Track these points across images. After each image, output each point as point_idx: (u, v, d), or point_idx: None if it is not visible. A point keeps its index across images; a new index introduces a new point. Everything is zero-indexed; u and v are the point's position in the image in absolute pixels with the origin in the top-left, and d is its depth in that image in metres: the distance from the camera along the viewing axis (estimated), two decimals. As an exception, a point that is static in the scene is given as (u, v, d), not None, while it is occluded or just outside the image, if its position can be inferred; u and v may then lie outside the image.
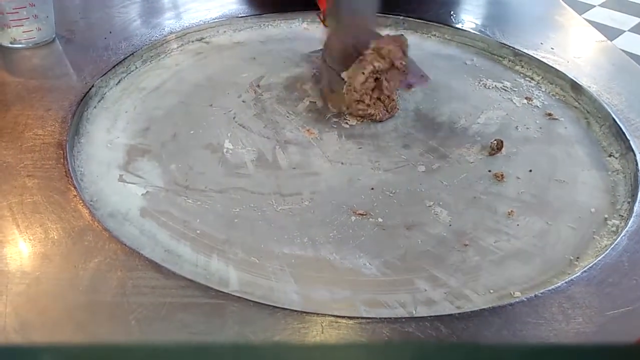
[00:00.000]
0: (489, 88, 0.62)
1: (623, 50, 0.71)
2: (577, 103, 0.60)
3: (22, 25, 0.60)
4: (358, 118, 0.55)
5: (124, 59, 0.60)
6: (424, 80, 0.59)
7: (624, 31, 2.15)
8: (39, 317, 0.35)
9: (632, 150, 0.51)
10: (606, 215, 0.46)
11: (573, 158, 0.53)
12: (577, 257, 0.42)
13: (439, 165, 0.50)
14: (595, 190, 0.49)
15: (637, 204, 0.46)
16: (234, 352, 0.16)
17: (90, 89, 0.55)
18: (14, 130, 0.49)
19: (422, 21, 0.72)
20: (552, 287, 0.38)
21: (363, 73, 0.53)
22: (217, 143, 0.51)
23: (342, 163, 0.50)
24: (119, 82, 0.59)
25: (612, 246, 0.42)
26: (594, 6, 2.36)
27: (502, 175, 0.49)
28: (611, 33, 2.10)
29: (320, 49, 0.60)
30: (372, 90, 0.54)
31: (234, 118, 0.55)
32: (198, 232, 0.43)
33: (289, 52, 0.66)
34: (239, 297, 0.36)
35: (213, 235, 0.42)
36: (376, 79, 0.54)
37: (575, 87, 0.61)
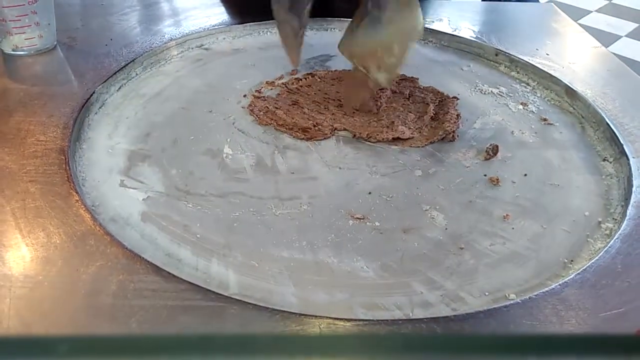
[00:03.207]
0: (485, 94, 0.63)
1: (620, 56, 0.72)
2: (572, 108, 0.61)
3: (24, 33, 0.61)
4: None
5: (124, 66, 0.61)
6: None
7: (621, 36, 2.17)
8: (41, 320, 0.35)
9: (626, 155, 0.52)
10: (600, 219, 0.47)
11: (568, 162, 0.53)
12: (571, 260, 0.43)
13: (435, 169, 0.51)
14: (590, 194, 0.50)
15: (630, 207, 0.46)
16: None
17: (91, 95, 0.56)
18: (16, 137, 0.49)
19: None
20: (546, 289, 0.39)
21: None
22: (216, 148, 0.52)
23: (339, 168, 0.51)
24: (119, 88, 0.60)
25: (605, 249, 0.42)
26: (591, 12, 2.37)
27: (497, 179, 0.50)
28: (608, 38, 2.12)
29: None
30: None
31: (233, 124, 0.56)
32: (198, 236, 0.43)
33: (287, 58, 0.67)
34: (238, 299, 0.37)
35: (213, 239, 0.43)
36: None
37: (570, 92, 0.62)
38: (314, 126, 0.55)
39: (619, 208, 0.48)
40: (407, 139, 0.54)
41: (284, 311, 0.36)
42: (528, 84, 0.65)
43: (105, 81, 0.58)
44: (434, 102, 0.59)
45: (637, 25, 2.27)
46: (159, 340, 0.15)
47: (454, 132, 0.55)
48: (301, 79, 0.63)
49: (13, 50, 0.62)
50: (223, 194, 0.47)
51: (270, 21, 0.72)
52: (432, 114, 0.57)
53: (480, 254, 0.43)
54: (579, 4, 2.43)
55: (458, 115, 0.57)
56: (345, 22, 0.74)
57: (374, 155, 0.52)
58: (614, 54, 0.73)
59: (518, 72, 0.67)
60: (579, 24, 0.79)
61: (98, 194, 0.46)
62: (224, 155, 0.51)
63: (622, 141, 0.53)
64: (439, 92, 0.61)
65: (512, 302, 0.38)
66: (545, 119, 0.59)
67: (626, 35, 2.18)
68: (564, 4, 2.40)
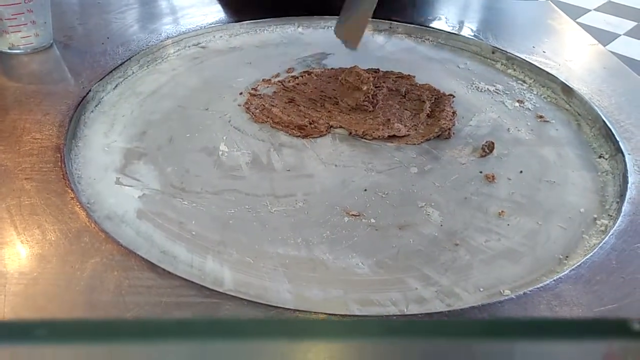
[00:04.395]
0: (481, 91, 0.63)
1: (618, 54, 0.72)
2: (568, 105, 0.61)
3: (20, 31, 0.61)
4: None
5: (121, 64, 0.61)
6: None
7: (619, 35, 2.17)
8: (36, 316, 0.35)
9: (621, 152, 0.52)
10: (595, 215, 0.47)
11: (563, 159, 0.53)
12: (567, 256, 0.43)
13: (431, 166, 0.51)
14: (585, 191, 0.50)
15: (625, 203, 0.46)
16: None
17: (87, 93, 0.56)
18: (12, 134, 0.49)
19: (416, 26, 0.73)
20: (541, 285, 0.39)
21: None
22: (212, 146, 0.52)
23: (335, 165, 0.51)
24: (116, 86, 0.60)
25: (600, 245, 0.42)
26: (589, 10, 2.37)
27: (493, 176, 0.50)
28: (606, 37, 2.12)
29: None
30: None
31: (229, 121, 0.56)
32: (193, 233, 0.43)
33: (284, 56, 0.67)
34: (233, 296, 0.37)
35: (208, 236, 0.43)
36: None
37: (567, 89, 0.62)
38: (310, 124, 0.55)
39: (614, 204, 0.48)
40: (403, 136, 0.54)
41: (279, 307, 0.37)
42: (524, 82, 0.65)
43: (101, 79, 0.58)
44: (430, 99, 0.59)
45: (636, 23, 2.27)
46: (138, 324, 0.15)
47: (449, 129, 0.55)
48: (297, 77, 0.63)
49: (9, 48, 0.62)
50: (218, 192, 0.47)
51: (268, 19, 0.72)
52: (428, 112, 0.57)
53: (475, 250, 0.43)
54: (578, 3, 2.43)
55: (454, 112, 0.57)
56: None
57: (369, 152, 0.53)
58: (613, 52, 0.73)
59: (514, 70, 0.67)
60: (578, 23, 0.79)
61: (93, 192, 0.46)
62: (220, 152, 0.51)
63: (617, 138, 0.53)
64: (435, 89, 0.61)
65: (506, 298, 0.38)
66: (541, 116, 0.59)
67: (625, 34, 2.18)
68: (563, 3, 2.39)
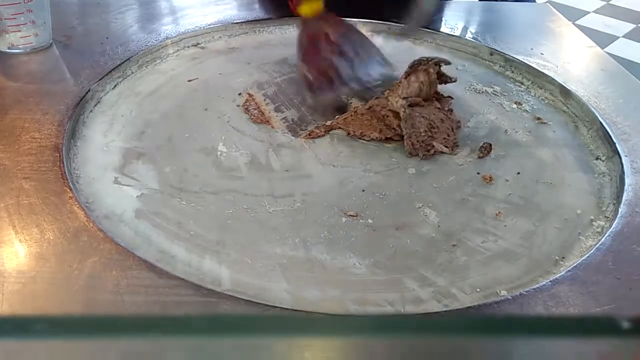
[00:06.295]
0: (479, 93, 0.63)
1: (617, 57, 0.72)
2: (565, 107, 0.61)
3: (20, 31, 0.61)
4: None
5: (120, 64, 0.61)
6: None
7: (618, 37, 2.18)
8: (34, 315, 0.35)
9: (618, 154, 0.52)
10: (592, 217, 0.47)
11: (561, 161, 0.54)
12: (563, 257, 0.43)
13: (428, 167, 0.51)
14: (582, 193, 0.50)
15: (622, 205, 0.47)
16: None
17: (86, 93, 0.56)
18: (11, 134, 0.50)
19: (414, 27, 0.74)
20: (537, 285, 0.39)
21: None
22: (211, 146, 0.52)
23: (333, 165, 0.51)
24: (115, 86, 0.60)
25: (596, 246, 0.43)
26: (589, 12, 2.38)
27: (490, 177, 0.50)
28: (605, 39, 2.12)
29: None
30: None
31: (228, 122, 0.56)
32: (192, 233, 0.43)
33: (282, 57, 0.67)
34: (231, 295, 0.37)
35: (206, 236, 0.43)
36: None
37: (564, 91, 0.62)
38: (309, 124, 0.55)
39: (610, 206, 0.48)
40: (401, 137, 0.54)
41: (277, 307, 0.37)
42: (522, 84, 0.65)
43: (100, 79, 0.58)
44: None
45: (634, 26, 2.28)
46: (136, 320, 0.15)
47: None
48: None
49: (9, 48, 0.62)
50: (217, 192, 0.47)
51: (267, 20, 0.72)
52: None
53: (472, 251, 0.43)
54: (577, 5, 2.43)
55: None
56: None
57: (367, 153, 0.53)
58: (612, 54, 0.73)
59: (512, 72, 0.67)
60: (577, 25, 0.80)
61: (92, 191, 0.46)
62: (219, 153, 0.52)
63: (614, 140, 0.54)
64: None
65: (503, 298, 0.38)
66: (539, 118, 0.59)
67: (623, 36, 2.19)
68: (562, 5, 2.40)
